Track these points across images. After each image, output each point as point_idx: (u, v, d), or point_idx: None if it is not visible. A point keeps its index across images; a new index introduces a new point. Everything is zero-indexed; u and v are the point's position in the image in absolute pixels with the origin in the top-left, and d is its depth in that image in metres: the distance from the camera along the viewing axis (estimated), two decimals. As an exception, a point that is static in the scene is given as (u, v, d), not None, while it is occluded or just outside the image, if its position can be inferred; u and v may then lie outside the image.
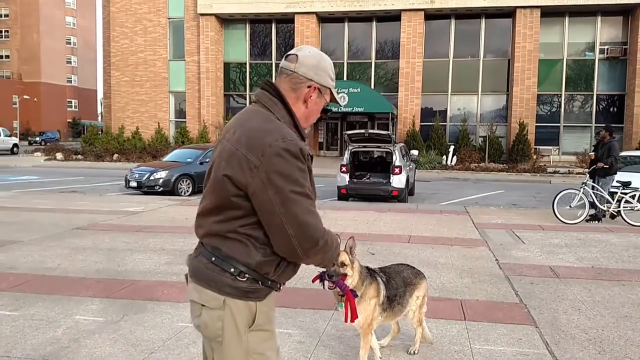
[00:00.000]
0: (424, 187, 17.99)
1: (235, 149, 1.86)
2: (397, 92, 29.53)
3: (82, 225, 9.07)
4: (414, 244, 7.95)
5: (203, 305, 1.89)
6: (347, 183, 13.49)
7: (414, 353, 3.90)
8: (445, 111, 30.00)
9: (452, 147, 27.31)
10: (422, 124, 29.03)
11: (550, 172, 23.98)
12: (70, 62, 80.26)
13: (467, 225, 9.70)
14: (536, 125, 28.39)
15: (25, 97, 66.44)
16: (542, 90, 28.73)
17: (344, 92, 25.79)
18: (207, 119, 31.03)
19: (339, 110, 26.33)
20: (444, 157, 26.91)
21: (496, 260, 6.99)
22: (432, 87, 29.68)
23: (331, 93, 2.06)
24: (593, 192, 10.38)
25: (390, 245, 7.86)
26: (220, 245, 1.90)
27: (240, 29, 32.32)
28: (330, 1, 29.33)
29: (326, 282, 3.04)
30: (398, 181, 13.06)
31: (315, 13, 29.92)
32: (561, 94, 29.06)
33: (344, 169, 13.55)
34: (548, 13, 28.09)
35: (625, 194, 10.21)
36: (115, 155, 29.21)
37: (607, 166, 10.30)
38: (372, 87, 29.83)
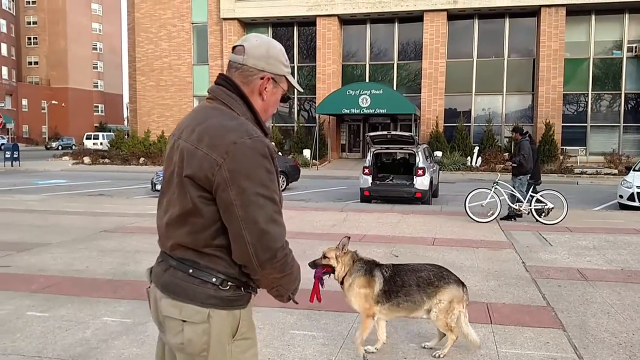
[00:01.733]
0: (448, 188, 17.84)
1: (195, 148, 1.71)
2: (420, 93, 29.35)
3: (109, 228, 9.22)
4: (439, 246, 7.89)
5: (184, 321, 1.74)
6: (370, 185, 13.45)
7: (439, 357, 3.87)
8: (470, 112, 29.70)
9: (476, 148, 27.00)
10: (445, 125, 28.80)
11: (577, 173, 23.55)
12: (96, 68, 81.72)
13: (493, 227, 9.60)
14: (562, 126, 27.92)
15: (53, 102, 68.09)
16: (568, 89, 28.25)
17: (366, 94, 25.72)
18: (230, 122, 31.25)
19: (362, 112, 26.28)
20: (469, 158, 26.62)
21: (523, 262, 6.90)
22: (456, 87, 29.43)
23: (287, 80, 1.93)
24: (505, 191, 10.62)
25: (414, 247, 7.82)
26: (196, 258, 1.76)
27: (262, 33, 32.47)
28: (352, 3, 29.32)
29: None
30: (421, 183, 12.98)
31: (337, 15, 29.92)
32: (588, 94, 28.53)
33: (366, 170, 13.52)
34: (574, 11, 27.62)
35: (537, 192, 10.47)
36: (142, 159, 29.61)
37: (515, 165, 10.57)
38: (395, 88, 29.68)
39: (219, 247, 1.75)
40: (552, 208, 10.25)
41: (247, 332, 1.83)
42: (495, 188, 10.56)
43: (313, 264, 3.68)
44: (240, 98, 1.83)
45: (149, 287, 1.92)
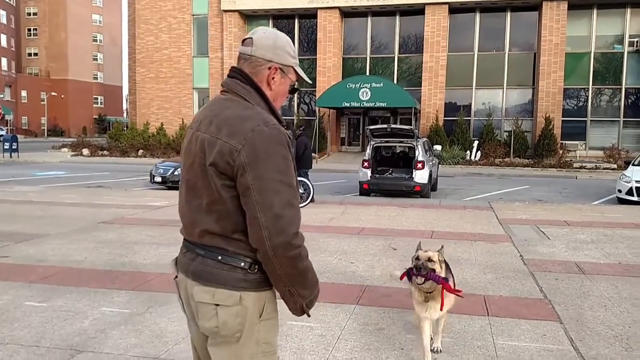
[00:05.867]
0: (447, 182, 17.86)
1: (215, 138, 1.78)
2: (421, 86, 29.28)
3: (107, 219, 9.22)
4: (437, 240, 7.89)
5: (217, 305, 1.81)
6: (369, 178, 13.44)
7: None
8: (470, 106, 29.63)
9: (476, 142, 26.98)
10: (445, 118, 28.75)
11: (576, 168, 23.56)
12: (96, 59, 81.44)
13: (491, 221, 9.61)
14: (562, 120, 27.88)
15: (52, 93, 67.93)
16: (568, 84, 28.19)
17: (366, 87, 25.67)
18: (230, 114, 31.20)
19: (362, 105, 26.24)
20: (468, 152, 26.62)
21: (520, 256, 6.92)
22: (456, 81, 29.36)
23: (295, 71, 2.00)
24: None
25: (412, 240, 7.80)
26: (224, 245, 1.82)
27: (262, 25, 32.23)
28: (353, -4, 29.22)
29: (414, 278, 3.43)
30: (421, 176, 12.97)
31: (338, 8, 29.81)
32: (588, 88, 28.48)
33: (365, 164, 13.51)
34: (575, 5, 27.53)
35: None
36: (140, 151, 29.58)
37: None
38: (395, 81, 29.62)
39: (247, 232, 1.80)
40: (304, 194, 11.42)
41: (271, 312, 1.91)
42: None
43: (423, 267, 3.36)
44: (254, 89, 1.90)
45: (176, 277, 1.99)
